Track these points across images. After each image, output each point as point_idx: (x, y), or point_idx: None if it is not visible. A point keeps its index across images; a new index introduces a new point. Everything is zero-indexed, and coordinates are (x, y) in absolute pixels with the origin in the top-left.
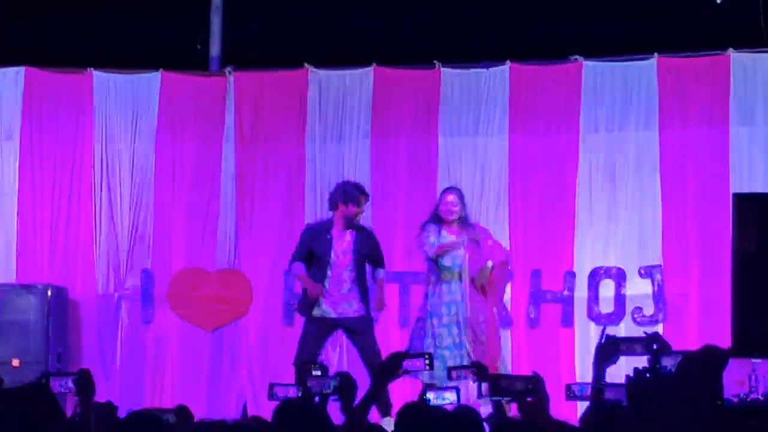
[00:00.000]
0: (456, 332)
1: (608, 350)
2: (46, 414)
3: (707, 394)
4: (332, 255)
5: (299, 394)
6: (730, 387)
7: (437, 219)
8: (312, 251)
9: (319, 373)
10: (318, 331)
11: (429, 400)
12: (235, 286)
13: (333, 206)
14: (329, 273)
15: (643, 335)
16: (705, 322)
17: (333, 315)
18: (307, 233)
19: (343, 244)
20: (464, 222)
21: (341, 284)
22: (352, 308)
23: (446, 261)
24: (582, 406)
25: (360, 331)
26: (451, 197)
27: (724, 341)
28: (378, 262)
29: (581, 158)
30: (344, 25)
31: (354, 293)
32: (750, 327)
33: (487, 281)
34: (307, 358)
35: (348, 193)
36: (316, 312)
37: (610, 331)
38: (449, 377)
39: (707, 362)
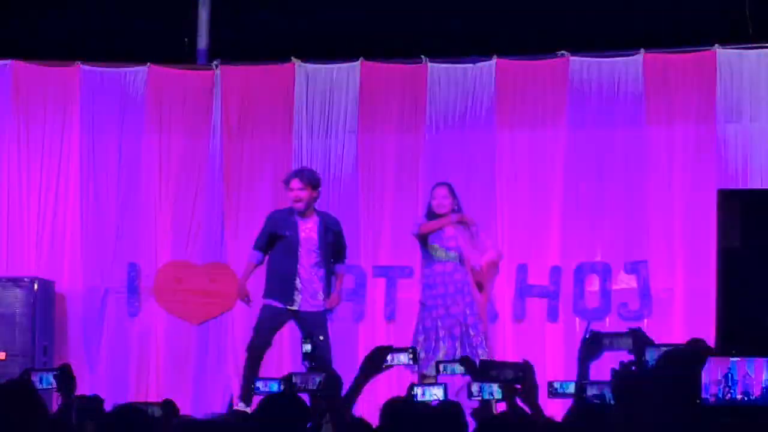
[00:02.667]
0: (449, 323)
1: (592, 346)
2: (28, 410)
3: (686, 391)
4: (299, 237)
5: (281, 389)
6: (709, 385)
7: (431, 215)
8: (277, 234)
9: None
10: (274, 319)
11: (416, 396)
12: (221, 280)
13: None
14: (300, 254)
15: (626, 330)
16: (690, 317)
17: (294, 307)
18: (272, 218)
19: (305, 229)
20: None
21: (310, 271)
22: (315, 300)
23: (435, 243)
24: (565, 403)
25: (318, 325)
26: (441, 191)
27: (709, 337)
28: (339, 254)
29: (567, 154)
30: (331, 19)
31: (321, 284)
32: (734, 323)
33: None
34: (261, 345)
35: (286, 179)
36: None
37: (595, 327)
38: (436, 371)
39: (687, 358)
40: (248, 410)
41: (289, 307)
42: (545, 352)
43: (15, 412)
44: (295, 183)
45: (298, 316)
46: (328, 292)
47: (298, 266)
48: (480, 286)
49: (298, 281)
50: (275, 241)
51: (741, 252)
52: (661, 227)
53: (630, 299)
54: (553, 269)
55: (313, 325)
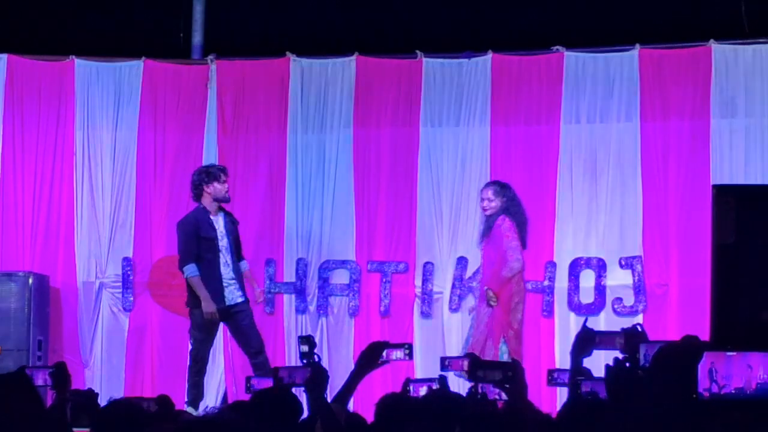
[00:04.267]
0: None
1: (584, 342)
2: (25, 401)
3: (681, 387)
4: (218, 237)
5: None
6: (704, 381)
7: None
8: (201, 237)
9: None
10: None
11: (410, 391)
12: None
13: (198, 194)
14: (221, 256)
15: (620, 329)
16: (685, 313)
17: (223, 305)
18: (190, 224)
19: (220, 227)
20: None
21: (228, 267)
22: (239, 293)
23: None
24: (562, 393)
25: (247, 314)
26: (485, 192)
27: (704, 332)
28: (240, 251)
29: (562, 149)
30: (326, 14)
31: (237, 277)
32: (729, 319)
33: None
34: (206, 353)
35: (210, 173)
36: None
37: (591, 322)
38: (441, 367)
39: (682, 353)
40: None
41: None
42: (540, 347)
43: (12, 403)
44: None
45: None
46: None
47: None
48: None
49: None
50: (199, 244)
51: (736, 247)
52: (655, 223)
53: (625, 295)
54: (548, 264)
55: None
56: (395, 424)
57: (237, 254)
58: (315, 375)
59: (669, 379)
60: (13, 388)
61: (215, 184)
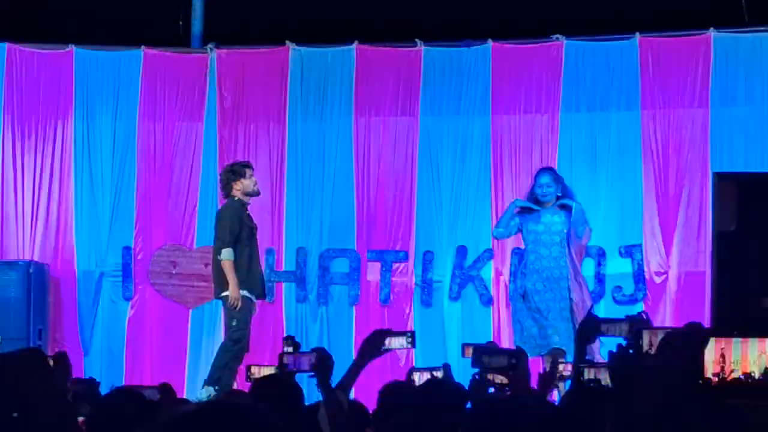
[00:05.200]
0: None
1: (588, 329)
2: (40, 379)
3: (687, 373)
4: (256, 229)
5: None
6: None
7: (535, 201)
8: (244, 224)
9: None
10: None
11: (414, 381)
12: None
13: (228, 193)
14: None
15: (625, 317)
16: (684, 301)
17: (263, 298)
18: (236, 209)
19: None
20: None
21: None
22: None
23: None
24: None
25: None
26: (544, 178)
27: (703, 320)
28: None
29: (562, 137)
30: (326, 3)
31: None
32: (729, 306)
33: None
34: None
35: (234, 171)
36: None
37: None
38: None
39: (688, 340)
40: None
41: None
42: None
43: (28, 380)
44: None
45: None
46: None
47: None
48: None
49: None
50: (242, 232)
51: (736, 235)
52: (655, 210)
53: (624, 283)
54: None
55: None
56: (398, 412)
57: None
58: (320, 360)
59: (676, 364)
60: (29, 365)
61: (242, 180)
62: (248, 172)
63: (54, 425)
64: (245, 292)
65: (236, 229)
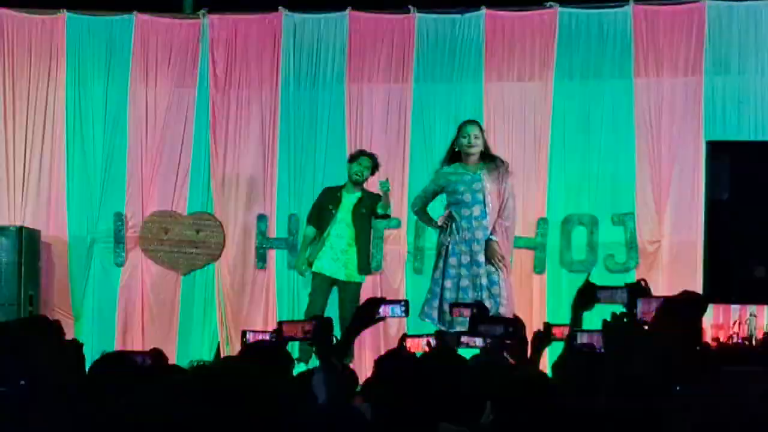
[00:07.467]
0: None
1: (586, 296)
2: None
3: (687, 339)
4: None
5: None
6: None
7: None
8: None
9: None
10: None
11: (405, 347)
12: (207, 230)
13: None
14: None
15: (624, 284)
16: (676, 269)
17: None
18: (323, 192)
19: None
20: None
21: (341, 239)
22: (344, 269)
23: None
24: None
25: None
26: (473, 129)
27: (696, 289)
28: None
29: (555, 105)
30: None
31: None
32: (722, 275)
33: None
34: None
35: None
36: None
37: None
38: (450, 313)
39: (687, 306)
40: None
41: None
42: (532, 303)
43: (37, 344)
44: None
45: None
46: None
47: None
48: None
49: None
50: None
51: (729, 203)
52: (648, 179)
53: (617, 251)
54: (540, 221)
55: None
56: (393, 381)
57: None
58: (320, 327)
59: (675, 332)
60: (37, 330)
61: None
62: (353, 159)
63: (62, 391)
64: None
65: (313, 209)
